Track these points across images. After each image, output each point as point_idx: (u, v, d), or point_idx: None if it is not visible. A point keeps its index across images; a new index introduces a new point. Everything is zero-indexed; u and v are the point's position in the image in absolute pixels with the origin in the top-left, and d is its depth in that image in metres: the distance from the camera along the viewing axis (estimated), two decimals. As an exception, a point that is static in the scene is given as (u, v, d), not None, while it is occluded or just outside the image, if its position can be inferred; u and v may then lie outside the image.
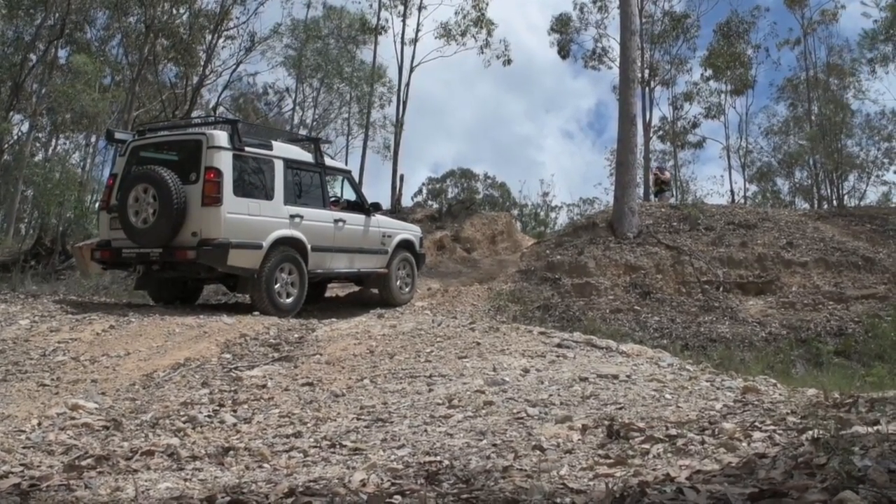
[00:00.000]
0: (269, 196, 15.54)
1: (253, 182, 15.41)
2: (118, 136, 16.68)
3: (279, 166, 15.87)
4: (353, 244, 17.66)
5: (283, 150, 16.45)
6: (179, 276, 16.03)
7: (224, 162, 14.59)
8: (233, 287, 16.49)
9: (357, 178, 28.25)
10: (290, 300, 15.92)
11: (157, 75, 39.02)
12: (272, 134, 19.91)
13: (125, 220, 14.64)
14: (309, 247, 16.10)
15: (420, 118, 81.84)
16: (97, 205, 17.27)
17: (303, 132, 42.61)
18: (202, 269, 14.99)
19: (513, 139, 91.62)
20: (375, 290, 19.33)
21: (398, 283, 19.18)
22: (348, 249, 17.54)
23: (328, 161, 18.07)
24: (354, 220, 17.73)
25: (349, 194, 18.85)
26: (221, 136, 14.80)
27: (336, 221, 17.07)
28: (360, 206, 18.29)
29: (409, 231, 19.83)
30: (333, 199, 17.97)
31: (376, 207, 18.69)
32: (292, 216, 15.81)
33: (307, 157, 16.98)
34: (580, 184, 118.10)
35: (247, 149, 15.23)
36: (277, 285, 15.57)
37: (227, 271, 15.01)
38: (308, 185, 16.76)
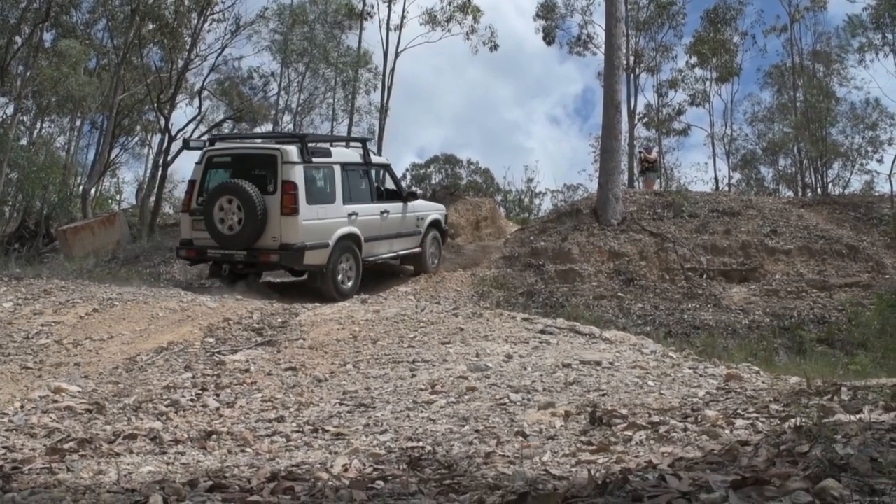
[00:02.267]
0: (331, 199, 17.59)
1: (319, 189, 17.46)
2: (193, 144, 19.16)
3: (338, 171, 17.89)
4: (394, 230, 19.65)
5: (339, 154, 18.45)
6: (256, 270, 18.27)
7: (298, 175, 16.60)
8: (299, 275, 18.54)
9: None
10: (349, 284, 17.86)
11: (143, 59, 38.83)
12: (325, 139, 21.77)
13: (211, 226, 16.70)
14: (363, 238, 18.14)
15: (407, 104, 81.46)
16: (175, 207, 20.70)
17: (288, 117, 42.76)
18: (281, 268, 17.79)
19: (501, 125, 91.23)
20: (410, 267, 21.51)
21: (429, 258, 21.48)
22: (391, 236, 19.54)
23: (373, 158, 20.04)
24: (395, 208, 19.63)
25: (388, 183, 21.29)
26: (294, 152, 16.74)
27: (382, 213, 19.07)
28: (399, 194, 20.39)
29: (437, 211, 22.06)
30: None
31: (412, 195, 20.92)
32: (350, 214, 17.83)
33: (357, 157, 19.03)
34: (566, 169, 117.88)
35: (313, 159, 17.18)
36: (340, 275, 17.54)
37: (303, 269, 17.44)
38: (359, 182, 18.83)
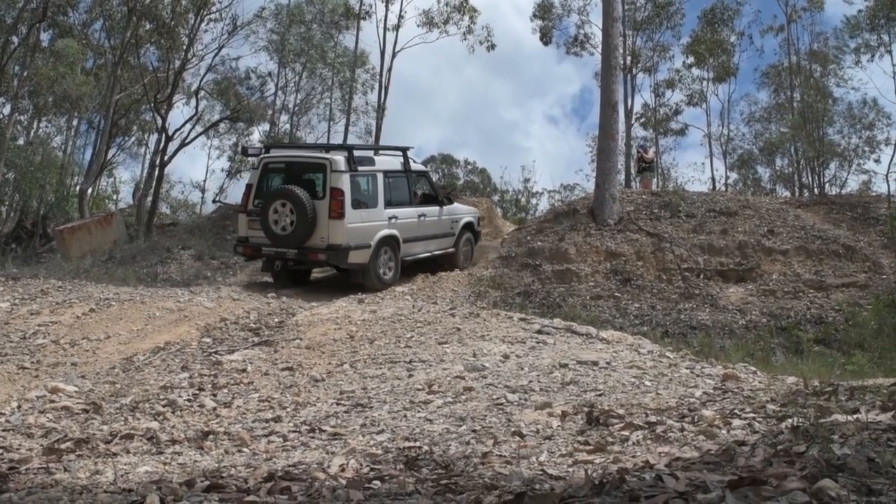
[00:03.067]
0: (374, 204, 19.41)
1: (364, 194, 19.29)
2: (251, 152, 21.42)
3: (380, 178, 19.72)
4: (430, 232, 21.54)
5: (382, 163, 20.33)
6: (305, 267, 20.25)
7: (344, 183, 18.46)
8: (342, 271, 20.08)
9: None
10: (389, 276, 19.85)
11: (140, 59, 38.80)
12: (370, 148, 23.69)
13: (266, 226, 18.57)
14: (401, 239, 20.08)
15: (405, 103, 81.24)
16: (239, 207, 21.55)
17: (284, 117, 42.73)
18: (326, 265, 19.89)
19: (499, 124, 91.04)
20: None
21: (462, 257, 23.09)
22: (427, 237, 21.44)
23: (412, 165, 21.70)
24: (432, 212, 21.57)
25: (420, 187, 22.36)
26: (341, 161, 18.64)
27: (419, 216, 21.00)
28: (435, 198, 22.15)
29: (470, 214, 23.96)
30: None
31: (448, 199, 22.82)
32: (390, 217, 19.70)
33: (398, 165, 20.93)
34: (564, 169, 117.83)
35: (358, 168, 19.01)
36: (381, 269, 19.52)
37: (347, 267, 19.27)
38: (399, 188, 20.63)
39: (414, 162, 22.33)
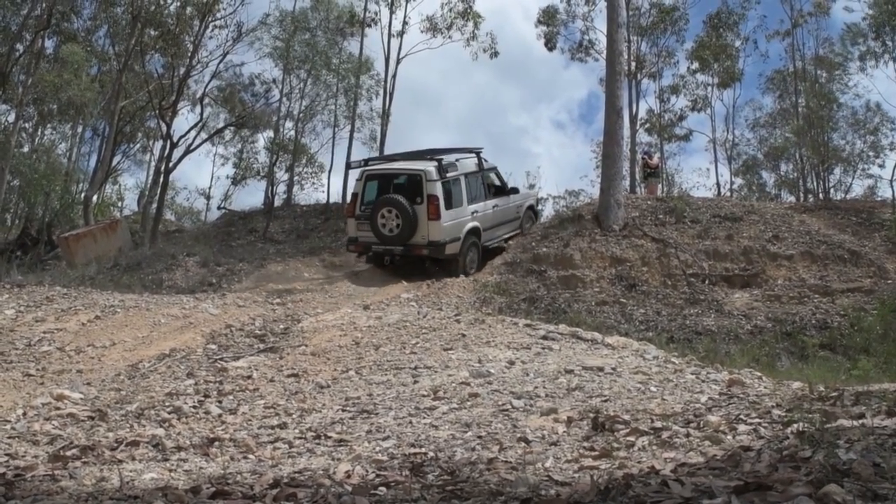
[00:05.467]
0: (460, 203, 22.84)
1: (453, 196, 22.58)
2: (353, 165, 25.34)
3: (463, 180, 23.25)
4: (502, 219, 25.32)
5: (463, 166, 23.72)
6: (407, 260, 23.09)
7: (438, 189, 21.88)
8: (435, 261, 22.72)
9: (345, 170, 35.84)
10: (475, 262, 23.45)
11: (144, 65, 38.76)
12: (449, 151, 25.46)
13: (375, 229, 22.04)
14: (482, 229, 23.67)
15: (415, 108, 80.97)
16: (344, 212, 26.83)
17: (289, 124, 42.68)
18: (427, 258, 22.53)
19: (508, 130, 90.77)
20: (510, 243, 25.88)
21: (525, 228, 26.76)
22: (500, 223, 25.18)
23: (484, 164, 25.12)
24: (502, 202, 25.38)
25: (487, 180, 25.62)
26: (433, 171, 22.12)
27: (494, 207, 24.64)
28: (503, 189, 26.04)
29: (531, 198, 29.09)
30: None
31: (514, 190, 26.82)
32: (473, 212, 23.26)
33: (473, 165, 24.40)
34: (571, 174, 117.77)
35: (447, 174, 22.40)
36: (468, 256, 23.07)
37: (444, 258, 22.29)
38: (476, 185, 24.19)
39: (485, 161, 25.38)
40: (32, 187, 37.04)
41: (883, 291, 21.66)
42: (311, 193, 41.97)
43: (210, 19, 37.43)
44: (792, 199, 44.72)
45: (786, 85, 46.47)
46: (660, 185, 38.11)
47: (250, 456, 6.81)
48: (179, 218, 49.90)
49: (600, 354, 11.21)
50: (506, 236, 25.67)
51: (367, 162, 24.68)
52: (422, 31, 39.80)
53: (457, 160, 23.86)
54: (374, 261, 23.92)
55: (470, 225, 23.09)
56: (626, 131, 34.97)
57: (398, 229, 21.94)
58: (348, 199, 27.07)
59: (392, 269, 23.31)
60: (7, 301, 15.06)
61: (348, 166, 28.94)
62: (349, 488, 4.89)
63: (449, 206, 22.31)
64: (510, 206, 26.05)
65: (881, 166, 42.27)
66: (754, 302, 21.58)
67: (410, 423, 7.62)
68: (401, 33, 39.21)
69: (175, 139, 37.55)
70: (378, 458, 6.22)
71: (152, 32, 38.02)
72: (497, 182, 26.24)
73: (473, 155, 24.98)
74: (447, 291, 20.46)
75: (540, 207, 29.90)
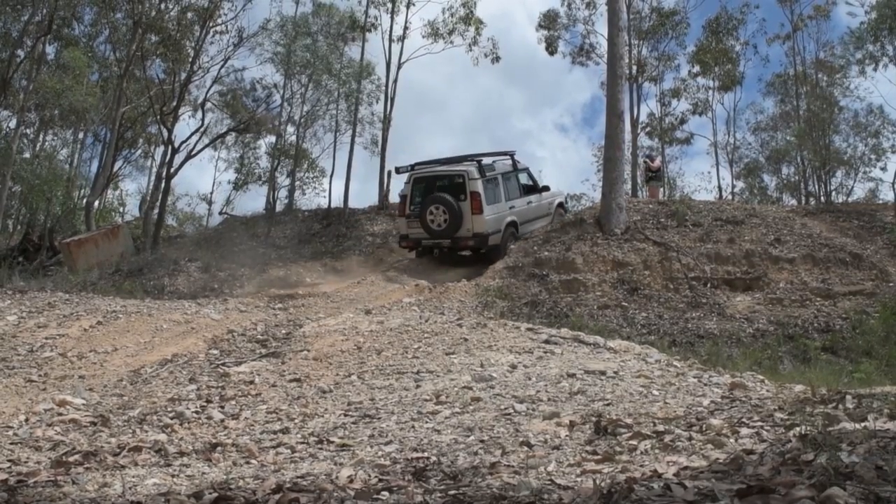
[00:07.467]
0: (499, 199, 25.26)
1: (493, 193, 24.93)
2: (401, 170, 26.80)
3: (500, 179, 25.66)
4: (535, 214, 27.31)
5: (500, 166, 26.17)
6: (453, 252, 25.23)
7: (479, 187, 24.18)
8: (477, 251, 24.83)
9: (346, 175, 37.76)
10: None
11: (145, 71, 38.72)
12: (485, 155, 27.58)
13: (425, 225, 24.40)
14: (518, 223, 25.92)
15: (419, 112, 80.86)
16: (396, 212, 30.00)
17: (291, 129, 42.67)
18: (472, 249, 24.70)
19: (512, 133, 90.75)
20: None
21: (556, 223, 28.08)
22: (534, 218, 27.18)
23: (518, 165, 27.37)
24: (536, 199, 27.50)
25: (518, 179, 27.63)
26: (474, 171, 24.48)
27: (528, 203, 26.86)
28: (536, 187, 27.99)
29: (560, 196, 31.34)
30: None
31: (545, 188, 28.59)
32: (510, 208, 25.63)
33: (508, 166, 26.73)
34: (574, 178, 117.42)
35: (487, 174, 24.77)
36: (508, 249, 24.84)
37: (487, 249, 24.44)
38: (513, 184, 26.50)
39: (519, 162, 27.59)
40: (34, 193, 37.06)
41: (885, 294, 21.64)
42: (313, 198, 41.88)
43: (211, 25, 37.34)
44: (793, 202, 44.74)
45: (787, 88, 46.47)
46: (661, 189, 38.13)
47: (253, 461, 6.81)
48: (181, 223, 49.95)
49: (602, 358, 11.21)
50: (539, 229, 27.24)
51: (413, 167, 26.48)
52: (423, 37, 39.88)
53: (494, 161, 26.34)
54: (425, 253, 26.05)
55: (509, 218, 25.38)
56: (628, 135, 35.05)
57: (445, 224, 24.17)
58: (392, 200, 32.53)
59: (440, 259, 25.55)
60: (9, 307, 15.07)
61: (396, 171, 30.20)
62: (352, 493, 4.88)
63: (490, 201, 24.52)
64: (543, 203, 28.02)
65: (883, 169, 42.33)
66: (756, 305, 21.57)
67: (413, 427, 7.61)
68: (402, 38, 39.24)
69: (176, 144, 37.49)
70: (381, 462, 6.21)
71: (153, 38, 37.98)
72: (530, 181, 28.08)
73: (508, 157, 27.31)
74: (449, 296, 20.44)
75: (566, 205, 32.21)
